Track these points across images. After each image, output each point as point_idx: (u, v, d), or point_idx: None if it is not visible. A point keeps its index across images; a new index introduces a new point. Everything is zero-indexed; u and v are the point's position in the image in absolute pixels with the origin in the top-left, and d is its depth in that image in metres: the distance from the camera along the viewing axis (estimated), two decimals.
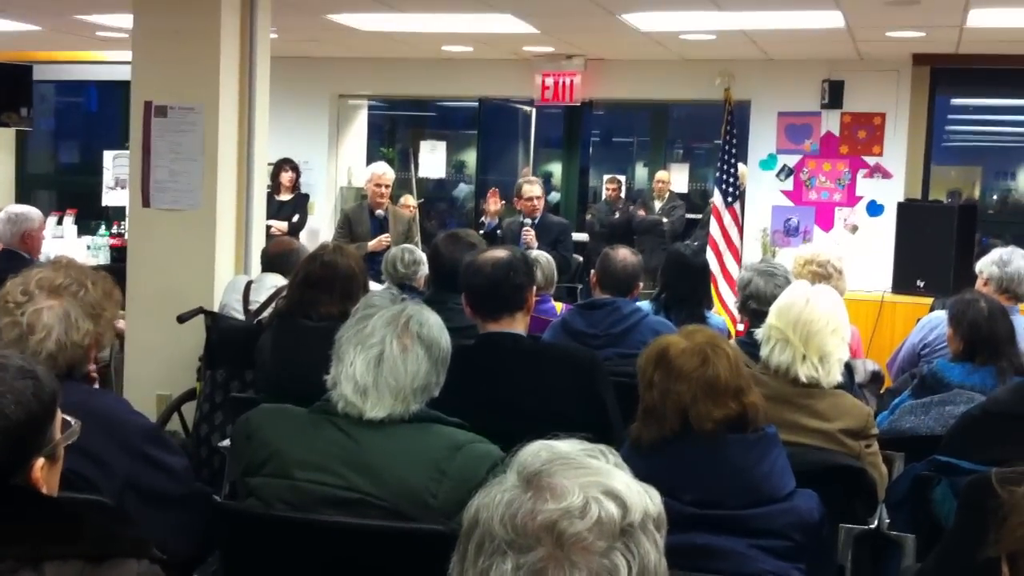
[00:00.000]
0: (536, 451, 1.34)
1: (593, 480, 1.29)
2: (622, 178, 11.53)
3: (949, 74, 8.93)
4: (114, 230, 8.48)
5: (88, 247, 8.35)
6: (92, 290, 2.39)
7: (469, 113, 12.37)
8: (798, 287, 3.07)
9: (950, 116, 12.76)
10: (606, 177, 11.39)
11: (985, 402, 2.89)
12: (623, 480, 1.31)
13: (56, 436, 1.67)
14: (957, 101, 11.83)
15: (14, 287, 2.35)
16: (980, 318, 3.49)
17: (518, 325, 3.21)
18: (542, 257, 5.19)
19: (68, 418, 1.72)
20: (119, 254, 7.81)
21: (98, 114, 13.48)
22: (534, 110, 10.48)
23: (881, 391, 4.35)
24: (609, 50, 9.10)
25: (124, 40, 7.31)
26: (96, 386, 2.53)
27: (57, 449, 1.69)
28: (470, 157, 13.79)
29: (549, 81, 9.63)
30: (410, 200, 9.50)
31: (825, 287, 3.16)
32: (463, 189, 14.74)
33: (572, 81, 9.55)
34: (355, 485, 2.21)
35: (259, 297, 4.51)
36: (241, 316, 4.54)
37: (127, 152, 5.50)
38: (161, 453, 2.38)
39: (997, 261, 4.45)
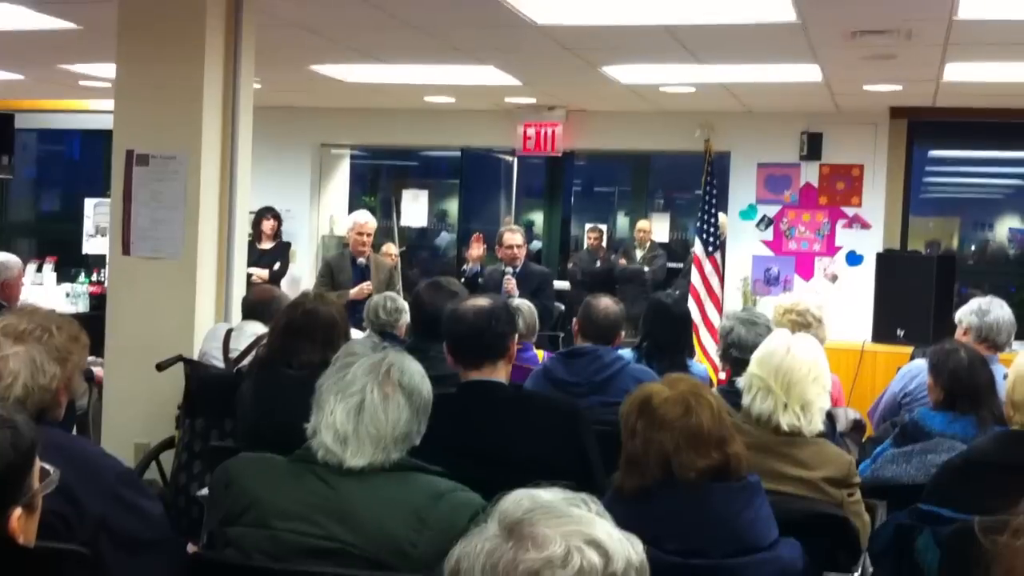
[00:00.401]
0: (518, 500, 1.33)
1: (575, 529, 1.28)
2: (604, 227, 11.59)
3: (926, 127, 9.05)
4: (94, 278, 8.46)
5: (67, 295, 8.32)
6: (57, 335, 2.40)
7: (452, 162, 12.42)
8: (779, 336, 3.07)
9: (928, 168, 12.89)
10: (588, 226, 11.44)
11: (966, 451, 2.89)
12: (605, 529, 1.30)
13: (34, 485, 1.65)
14: (935, 153, 11.97)
15: None
16: (960, 368, 3.51)
17: (500, 373, 3.20)
18: (524, 305, 5.19)
19: (47, 467, 1.70)
20: (99, 302, 7.79)
21: (80, 162, 13.49)
22: (516, 160, 10.54)
23: (863, 440, 4.35)
24: (590, 102, 9.19)
25: (107, 89, 7.35)
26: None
27: (35, 499, 1.66)
28: (452, 206, 13.84)
29: (531, 131, 9.70)
30: (392, 248, 9.51)
31: (805, 335, 3.16)
32: (445, 238, 14.78)
33: (554, 131, 9.63)
34: (335, 535, 2.19)
35: (239, 345, 4.48)
36: (221, 364, 4.52)
37: (108, 200, 5.49)
38: (135, 496, 2.36)
39: (976, 311, 4.48)
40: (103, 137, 9.05)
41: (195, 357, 4.76)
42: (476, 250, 7.66)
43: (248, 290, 5.38)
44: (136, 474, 2.64)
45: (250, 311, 4.71)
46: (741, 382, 3.04)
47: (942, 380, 3.56)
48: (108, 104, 5.50)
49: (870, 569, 2.77)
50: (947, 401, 3.54)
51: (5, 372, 2.32)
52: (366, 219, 7.67)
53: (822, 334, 4.44)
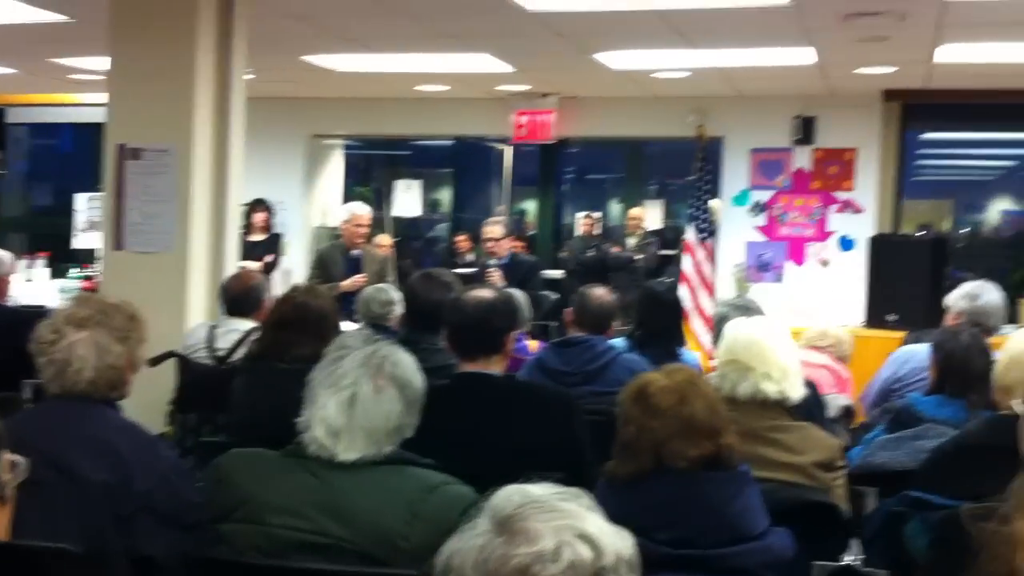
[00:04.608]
0: (508, 495, 1.34)
1: (566, 524, 1.29)
2: (597, 215, 11.59)
3: (919, 109, 9.05)
4: (86, 273, 8.44)
5: (60, 290, 8.29)
6: (116, 316, 2.60)
7: (444, 152, 12.45)
8: (734, 324, 3.14)
9: (921, 151, 12.92)
10: (581, 214, 11.44)
11: (956, 436, 2.91)
12: (596, 523, 1.31)
13: (4, 478, 1.66)
14: (927, 135, 11.99)
15: (44, 329, 2.55)
16: (957, 349, 3.51)
17: (495, 366, 3.20)
18: (516, 294, 5.19)
19: (15, 457, 1.71)
20: None
21: (72, 156, 13.46)
22: (509, 148, 10.54)
23: (853, 426, 4.37)
24: (583, 88, 9.18)
25: (99, 82, 7.33)
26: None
27: (4, 489, 1.67)
28: (445, 195, 13.86)
29: (524, 119, 9.69)
30: (385, 239, 9.51)
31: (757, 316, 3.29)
32: (438, 227, 14.78)
33: (547, 119, 9.62)
34: (327, 530, 2.20)
35: (225, 343, 4.47)
36: (207, 363, 4.50)
37: (100, 194, 5.48)
38: (183, 484, 2.53)
39: (967, 295, 4.48)
40: (95, 130, 9.06)
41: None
42: (466, 243, 7.69)
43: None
44: (189, 468, 2.82)
45: (233, 305, 4.66)
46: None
47: (938, 360, 3.57)
48: (100, 97, 5.49)
49: (860, 556, 2.78)
50: (939, 383, 3.56)
51: (74, 358, 2.50)
52: (364, 211, 7.67)
53: (845, 349, 4.95)
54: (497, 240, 7.30)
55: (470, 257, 7.57)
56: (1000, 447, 2.40)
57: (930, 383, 3.64)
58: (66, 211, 9.81)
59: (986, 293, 4.47)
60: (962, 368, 3.44)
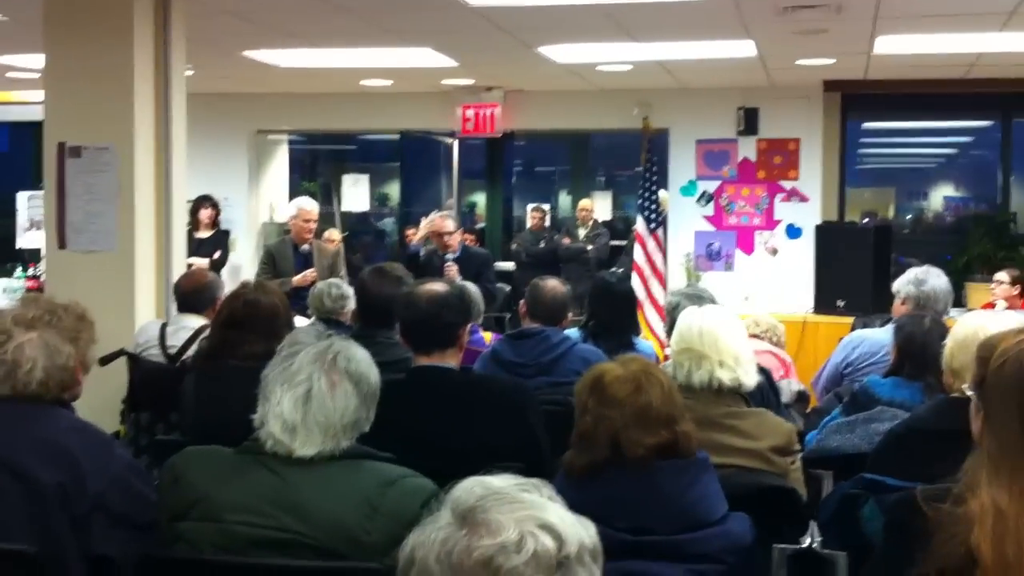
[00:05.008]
0: (470, 487, 1.34)
1: (528, 515, 1.29)
2: (546, 207, 11.61)
3: (859, 99, 9.19)
4: (31, 272, 8.29)
5: (4, 290, 8.15)
6: (64, 316, 2.61)
7: (391, 146, 12.36)
8: (687, 312, 3.16)
9: (862, 140, 13.10)
10: (530, 206, 11.45)
11: (908, 419, 2.94)
12: (558, 513, 1.31)
13: None
14: (868, 125, 12.16)
15: None
16: (918, 331, 3.54)
17: (449, 360, 3.20)
18: (469, 287, 5.18)
19: None
20: None
21: (10, 155, 13.20)
22: (456, 142, 10.52)
23: (807, 411, 4.42)
24: (528, 82, 9.19)
25: (35, 80, 7.19)
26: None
27: None
28: (393, 190, 13.77)
29: (470, 113, 9.68)
30: (335, 234, 9.44)
31: (710, 305, 3.31)
32: (387, 222, 14.70)
33: (492, 113, 9.62)
34: (286, 525, 2.18)
35: (176, 341, 4.42)
36: (160, 360, 4.45)
37: (42, 193, 5.39)
38: (138, 484, 2.51)
39: (913, 280, 4.54)
40: (33, 129, 8.89)
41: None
42: (419, 232, 7.67)
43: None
44: (143, 467, 2.80)
45: (185, 301, 4.62)
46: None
47: (898, 341, 3.61)
48: (37, 95, 5.40)
49: (818, 538, 2.81)
50: (897, 364, 3.59)
51: (24, 359, 2.48)
52: (312, 206, 7.64)
53: (780, 331, 5.00)
54: (451, 233, 7.31)
55: (419, 247, 7.54)
56: (951, 430, 2.43)
57: (890, 364, 3.67)
58: (7, 210, 9.63)
59: (932, 278, 4.54)
60: (921, 351, 3.46)
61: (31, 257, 8.76)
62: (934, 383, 3.25)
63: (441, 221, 7.40)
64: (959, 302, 7.33)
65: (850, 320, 6.42)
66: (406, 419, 2.85)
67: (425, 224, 7.49)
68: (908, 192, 16.05)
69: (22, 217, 9.11)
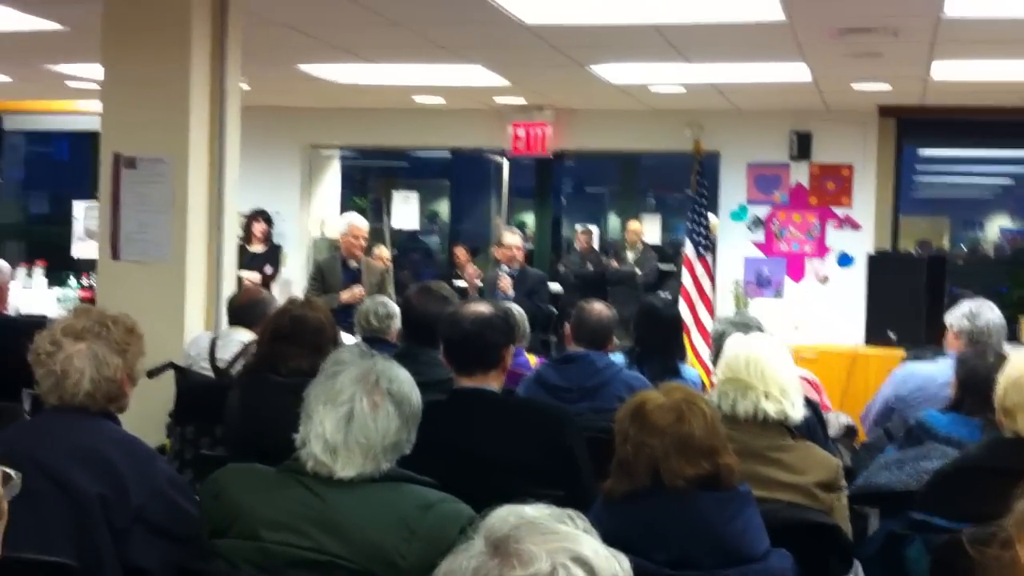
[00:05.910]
0: (504, 516, 1.32)
1: (561, 546, 1.27)
2: (593, 228, 11.57)
3: (915, 125, 9.05)
4: (84, 282, 8.40)
5: (58, 299, 8.26)
6: (114, 328, 2.61)
7: (441, 163, 12.45)
8: (734, 340, 3.12)
9: (917, 166, 12.94)
10: (578, 227, 11.42)
11: (958, 458, 2.88)
12: (591, 546, 1.29)
13: None
14: (924, 152, 12.01)
15: (42, 340, 2.56)
16: (980, 367, 3.45)
17: (492, 382, 3.18)
18: (515, 310, 5.18)
19: (8, 471, 1.69)
20: None
21: (68, 164, 13.45)
22: (506, 160, 10.53)
23: (855, 444, 4.34)
24: (579, 101, 9.18)
25: (95, 90, 7.31)
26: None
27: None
28: (443, 207, 13.85)
29: (521, 132, 9.69)
30: (384, 252, 9.49)
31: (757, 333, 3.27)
32: (436, 240, 14.75)
33: (543, 132, 9.62)
34: (324, 546, 2.17)
35: (226, 354, 4.45)
36: (209, 373, 4.48)
37: (97, 203, 5.46)
38: (178, 497, 2.52)
39: (967, 315, 4.44)
40: (91, 139, 9.04)
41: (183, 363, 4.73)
42: (470, 267, 7.78)
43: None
44: (186, 482, 2.81)
45: (237, 315, 4.66)
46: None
47: (960, 374, 3.53)
48: (96, 105, 5.47)
49: None
50: (957, 400, 3.51)
51: (72, 370, 2.51)
52: (362, 223, 7.70)
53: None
54: (519, 247, 7.43)
55: (471, 270, 7.64)
56: (1001, 469, 2.38)
57: (951, 399, 3.59)
58: (64, 219, 9.78)
59: (986, 312, 4.44)
60: (985, 385, 3.37)
61: (86, 267, 8.89)
62: (995, 420, 3.17)
63: (511, 235, 7.52)
64: (1013, 335, 7.20)
65: (901, 352, 6.32)
66: (447, 441, 2.84)
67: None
68: (963, 221, 15.82)
69: (78, 226, 9.25)
